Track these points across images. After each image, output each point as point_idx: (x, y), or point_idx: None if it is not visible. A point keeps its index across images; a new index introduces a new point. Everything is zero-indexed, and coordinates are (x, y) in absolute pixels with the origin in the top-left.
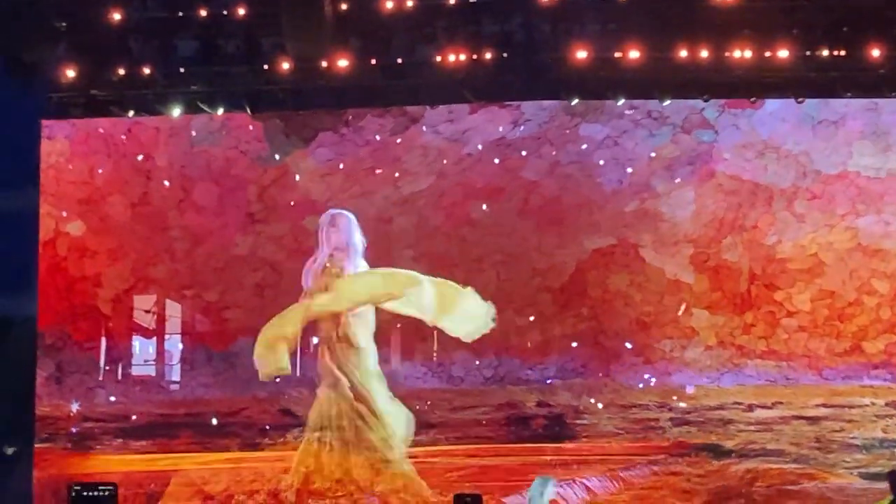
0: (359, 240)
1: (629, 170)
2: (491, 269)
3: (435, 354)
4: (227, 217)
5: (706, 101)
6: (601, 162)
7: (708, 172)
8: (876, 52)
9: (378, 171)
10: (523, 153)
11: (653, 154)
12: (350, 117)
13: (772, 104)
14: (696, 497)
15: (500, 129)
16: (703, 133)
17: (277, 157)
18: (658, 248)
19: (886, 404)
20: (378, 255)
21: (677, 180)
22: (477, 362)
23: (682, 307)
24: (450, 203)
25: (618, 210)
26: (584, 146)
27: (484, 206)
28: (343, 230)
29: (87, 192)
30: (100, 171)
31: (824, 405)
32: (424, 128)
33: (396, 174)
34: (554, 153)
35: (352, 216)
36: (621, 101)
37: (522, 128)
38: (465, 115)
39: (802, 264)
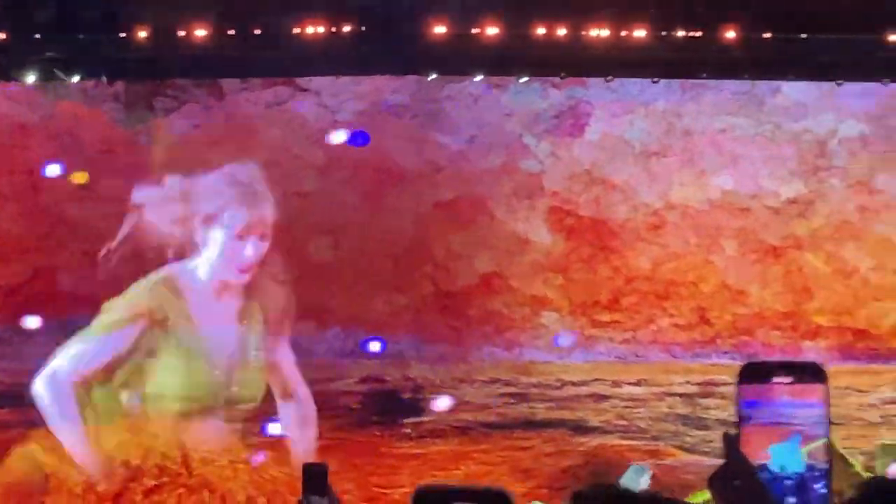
0: None
1: (484, 127)
2: (327, 237)
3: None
4: (58, 178)
5: (562, 78)
6: (453, 120)
7: (575, 126)
8: (731, 34)
9: (222, 144)
10: (387, 120)
11: (513, 109)
12: (224, 90)
13: None
14: (532, 478)
15: (379, 98)
16: (574, 90)
17: (132, 123)
18: (509, 203)
19: None
20: None
21: (538, 134)
22: (323, 334)
23: None
24: (281, 175)
25: (466, 167)
26: (441, 106)
27: (315, 177)
28: None
29: None
30: None
31: (689, 382)
32: (304, 99)
33: (239, 147)
34: (412, 117)
35: None
36: (479, 77)
37: (395, 96)
38: (351, 87)
39: (645, 221)
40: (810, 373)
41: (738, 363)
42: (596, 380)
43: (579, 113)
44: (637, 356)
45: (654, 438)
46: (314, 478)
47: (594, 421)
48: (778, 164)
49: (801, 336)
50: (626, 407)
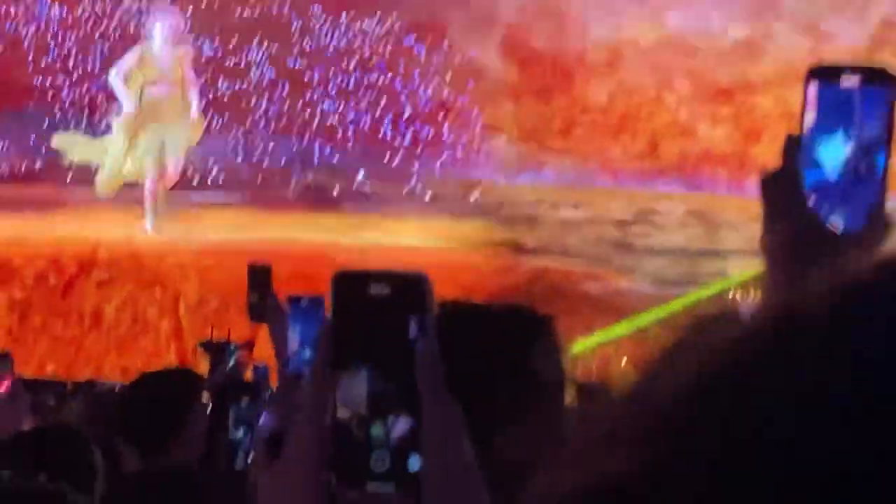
0: None
1: None
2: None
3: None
4: None
5: None
6: None
7: None
8: None
9: None
10: None
11: None
12: None
13: None
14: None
15: None
16: None
17: None
18: (466, 30)
19: (687, 212)
20: None
21: None
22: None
23: None
24: None
25: None
26: None
27: None
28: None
29: None
30: None
31: (627, 209)
32: None
33: None
34: None
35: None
36: None
37: None
38: None
39: (601, 55)
40: (880, 77)
41: (684, 192)
42: (540, 200)
43: None
44: (584, 180)
45: (589, 262)
46: (259, 276)
47: (529, 242)
48: (727, 6)
49: (746, 176)
50: (559, 230)
